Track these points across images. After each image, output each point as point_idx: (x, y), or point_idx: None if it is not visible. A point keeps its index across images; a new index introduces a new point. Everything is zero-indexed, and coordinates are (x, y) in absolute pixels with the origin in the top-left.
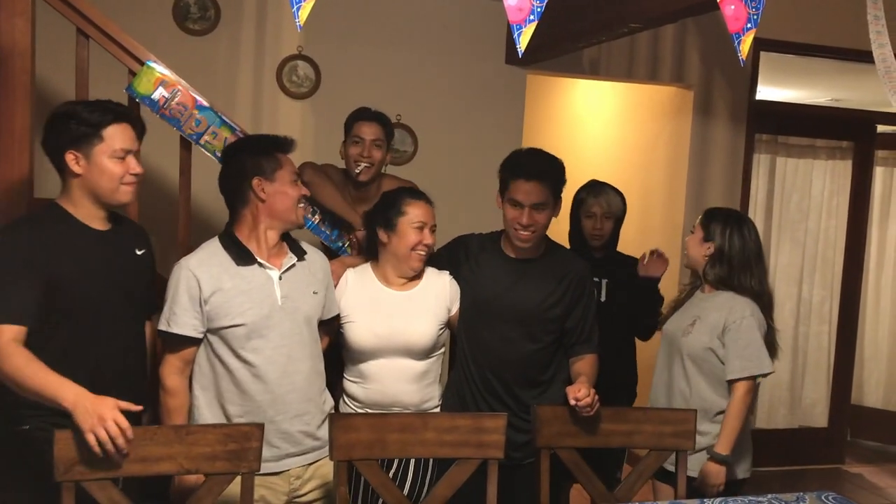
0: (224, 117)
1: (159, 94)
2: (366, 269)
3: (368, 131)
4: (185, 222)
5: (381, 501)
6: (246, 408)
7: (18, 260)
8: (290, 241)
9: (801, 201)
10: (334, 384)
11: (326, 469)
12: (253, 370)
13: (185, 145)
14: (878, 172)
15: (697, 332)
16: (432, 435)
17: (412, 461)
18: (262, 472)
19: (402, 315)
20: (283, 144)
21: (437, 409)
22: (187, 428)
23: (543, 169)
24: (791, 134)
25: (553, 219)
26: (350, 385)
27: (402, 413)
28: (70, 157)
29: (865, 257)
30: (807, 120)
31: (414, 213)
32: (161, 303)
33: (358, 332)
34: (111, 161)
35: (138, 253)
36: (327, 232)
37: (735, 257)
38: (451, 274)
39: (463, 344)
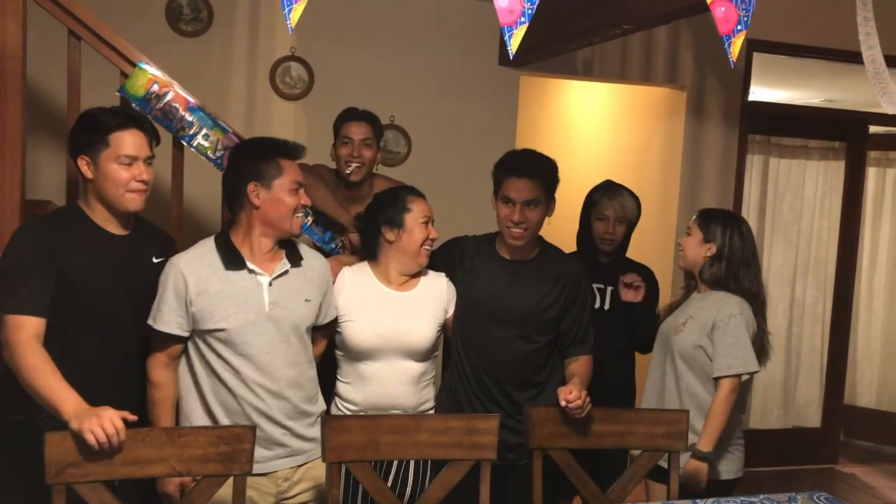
0: (216, 119)
1: (151, 95)
2: (364, 269)
3: (357, 131)
4: (178, 224)
5: None
6: (230, 410)
7: (38, 254)
8: (289, 246)
9: (794, 202)
10: (327, 388)
11: (318, 471)
12: (237, 374)
13: (178, 147)
14: (871, 173)
15: (688, 330)
16: (425, 436)
17: (412, 464)
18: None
19: (403, 315)
20: (289, 150)
21: (432, 411)
22: (179, 430)
23: (535, 166)
24: (784, 135)
25: (547, 218)
26: (345, 388)
27: (394, 415)
28: (82, 162)
29: (858, 258)
30: (799, 121)
31: (418, 209)
32: None
33: (358, 331)
34: (117, 167)
35: (155, 261)
36: (319, 233)
37: (735, 257)
38: (445, 276)
39: (458, 345)
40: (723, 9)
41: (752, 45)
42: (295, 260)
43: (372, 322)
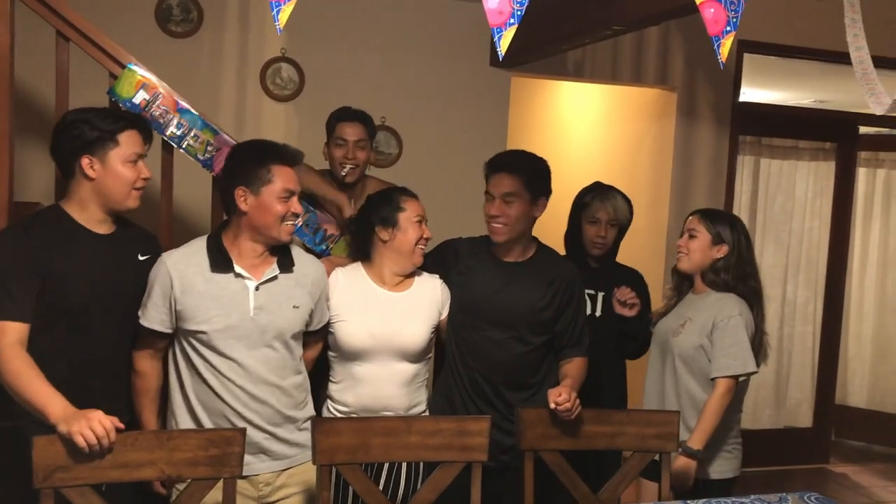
0: (206, 120)
1: (141, 97)
2: (357, 269)
3: (351, 132)
4: (167, 226)
5: None
6: (211, 411)
7: (19, 258)
8: (282, 252)
9: (784, 202)
10: (318, 390)
11: (307, 476)
12: (219, 376)
13: (167, 148)
14: (861, 173)
15: (688, 332)
16: (416, 438)
17: (403, 466)
18: None
19: (397, 315)
20: (284, 156)
21: (426, 413)
22: (168, 433)
23: (514, 162)
24: (774, 135)
25: (535, 217)
26: (337, 390)
27: (385, 417)
28: (85, 162)
29: (849, 258)
30: (790, 122)
31: (412, 208)
32: None
33: (351, 331)
34: (125, 166)
35: (141, 258)
36: (310, 235)
37: (743, 258)
38: (440, 277)
39: (452, 347)
40: (712, 10)
41: (742, 46)
42: (286, 266)
43: (365, 322)
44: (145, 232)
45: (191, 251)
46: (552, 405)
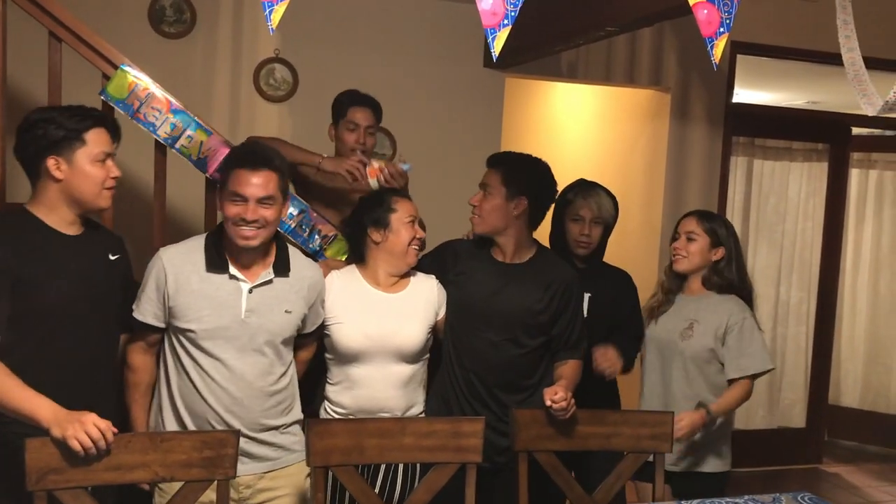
0: (200, 121)
1: (134, 98)
2: (352, 271)
3: (363, 117)
4: (160, 227)
5: None
6: (194, 412)
7: None
8: (280, 255)
9: (778, 203)
10: (317, 390)
11: (294, 478)
12: (205, 377)
13: (161, 149)
14: (854, 174)
15: (700, 334)
16: (410, 440)
17: (400, 468)
18: None
19: (393, 317)
20: (239, 159)
21: (422, 414)
22: (161, 435)
23: (502, 158)
24: (768, 136)
25: (515, 216)
26: (335, 391)
27: (379, 418)
28: (51, 163)
29: (842, 258)
30: (783, 122)
31: (404, 208)
32: None
33: (347, 333)
34: (93, 165)
35: (112, 258)
36: (304, 236)
37: (739, 259)
38: (437, 278)
39: (448, 347)
40: (705, 11)
41: (735, 48)
42: (282, 270)
43: (361, 324)
44: (111, 232)
45: (188, 248)
46: (548, 403)
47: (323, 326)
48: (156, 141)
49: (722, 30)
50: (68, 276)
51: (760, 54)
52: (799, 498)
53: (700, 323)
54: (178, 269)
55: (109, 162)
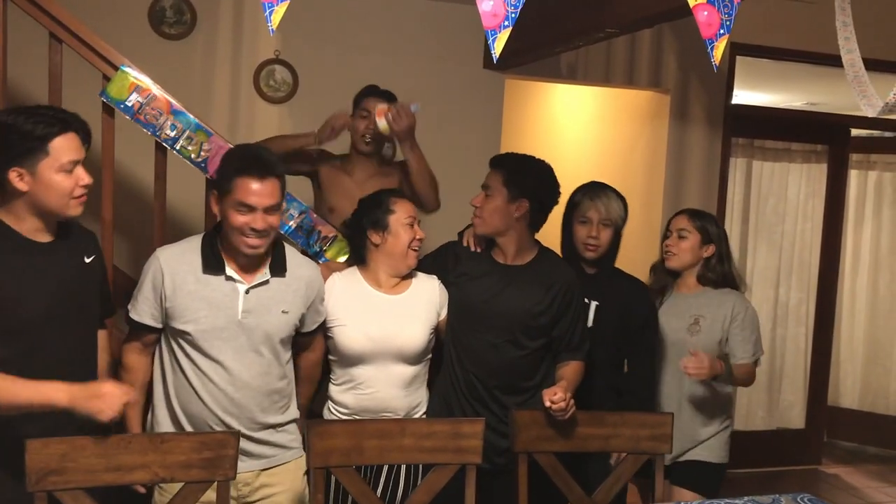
0: (200, 122)
1: (134, 99)
2: (353, 273)
3: (374, 106)
4: (160, 228)
5: None
6: (191, 410)
7: None
8: (277, 255)
9: (777, 204)
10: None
11: (291, 476)
12: (202, 377)
13: (161, 150)
14: (853, 175)
15: (707, 329)
16: (410, 441)
17: (402, 469)
18: None
19: (395, 318)
20: (244, 167)
21: (424, 415)
22: (161, 436)
23: (504, 159)
24: (767, 137)
25: (516, 217)
26: (338, 392)
27: (379, 419)
28: (13, 175)
29: (841, 259)
30: (782, 124)
31: (402, 210)
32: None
33: (350, 335)
34: (59, 175)
35: (87, 260)
36: (304, 237)
37: (728, 254)
38: (438, 279)
39: (450, 349)
40: (705, 13)
41: (735, 49)
42: (279, 270)
43: (364, 326)
44: (84, 231)
45: (185, 248)
46: (547, 404)
47: (325, 327)
48: (156, 142)
49: (722, 31)
50: (41, 287)
51: (760, 56)
52: (798, 499)
53: (706, 318)
54: (175, 269)
55: (79, 169)
